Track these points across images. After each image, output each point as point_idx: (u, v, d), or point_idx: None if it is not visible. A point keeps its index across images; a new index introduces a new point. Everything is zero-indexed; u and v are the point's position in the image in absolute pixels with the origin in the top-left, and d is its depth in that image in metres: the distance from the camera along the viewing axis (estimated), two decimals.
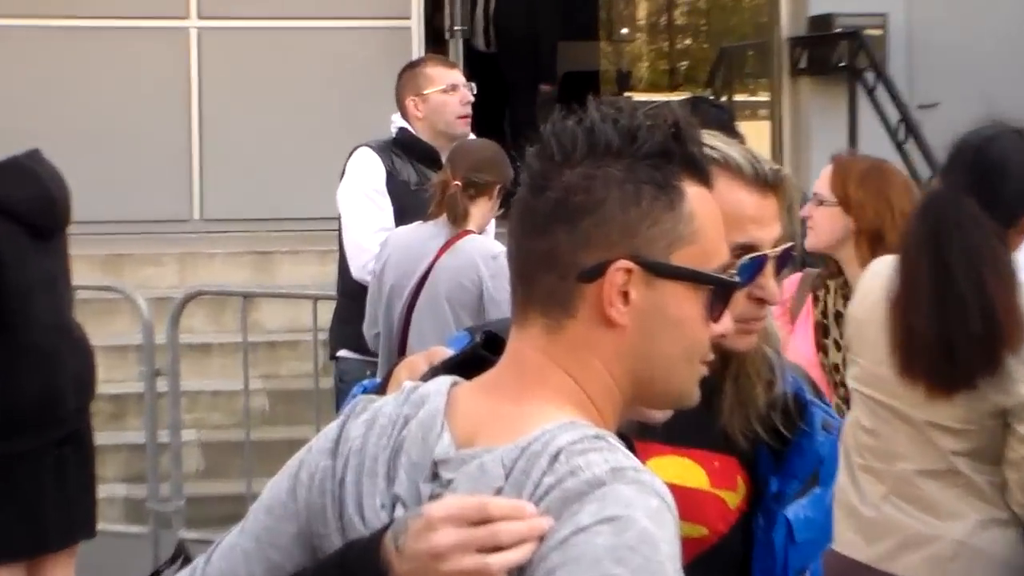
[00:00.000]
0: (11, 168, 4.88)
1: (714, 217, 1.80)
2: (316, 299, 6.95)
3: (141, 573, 6.39)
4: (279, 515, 1.82)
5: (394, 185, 5.75)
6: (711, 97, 10.20)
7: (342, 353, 5.88)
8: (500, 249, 5.03)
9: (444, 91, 5.85)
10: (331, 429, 1.83)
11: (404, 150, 5.84)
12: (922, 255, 3.53)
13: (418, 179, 5.64)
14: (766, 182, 2.37)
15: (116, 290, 7.28)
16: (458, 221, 5.05)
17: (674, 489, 2.37)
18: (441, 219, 5.08)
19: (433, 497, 1.71)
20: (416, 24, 10.50)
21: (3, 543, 4.80)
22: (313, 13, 10.40)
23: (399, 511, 1.73)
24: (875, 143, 9.41)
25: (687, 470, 2.43)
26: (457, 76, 5.98)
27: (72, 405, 4.92)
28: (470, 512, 1.65)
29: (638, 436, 2.33)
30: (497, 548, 1.64)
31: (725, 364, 2.40)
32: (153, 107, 10.20)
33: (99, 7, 10.15)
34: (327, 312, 6.32)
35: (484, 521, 1.65)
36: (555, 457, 1.66)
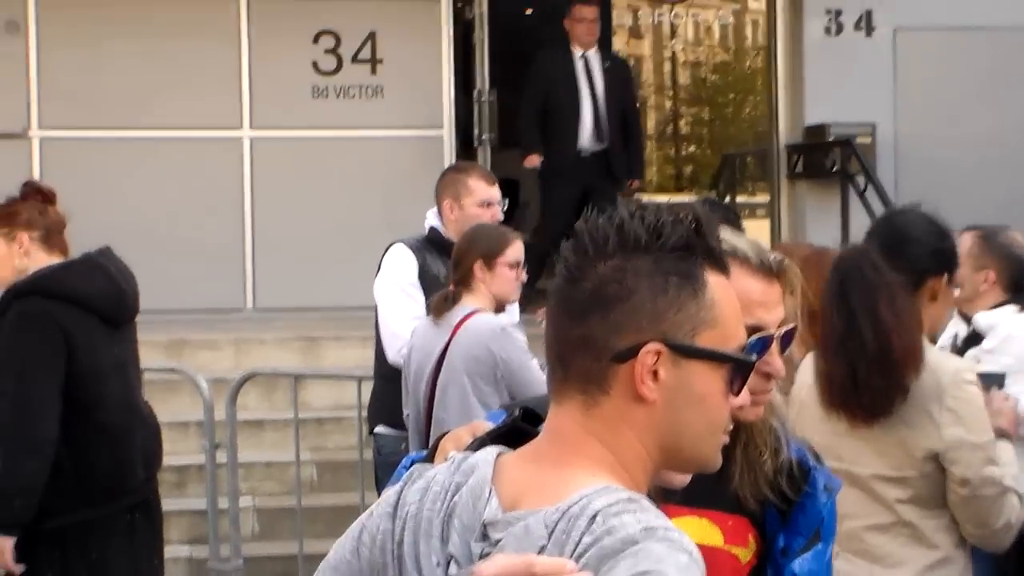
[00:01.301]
0: (85, 264, 4.94)
1: (732, 303, 1.82)
2: (360, 380, 6.96)
3: None
4: (344, 572, 1.86)
5: (425, 279, 5.73)
6: (716, 199, 10.28)
7: (379, 429, 5.85)
8: (506, 321, 5.08)
9: (480, 205, 5.76)
10: (391, 495, 1.86)
11: (435, 247, 5.84)
12: (832, 303, 3.61)
13: (447, 273, 5.64)
14: (770, 270, 2.43)
15: (180, 372, 7.30)
16: (439, 314, 5.07)
17: None
18: (457, 306, 5.10)
19: (483, 556, 1.72)
20: (448, 133, 10.59)
21: None
22: (355, 123, 10.49)
23: (453, 568, 1.75)
24: None
25: (704, 529, 2.47)
26: (495, 194, 5.88)
27: (141, 476, 4.95)
28: (518, 569, 1.65)
29: (660, 499, 2.42)
30: None
31: (735, 434, 2.45)
32: (210, 208, 10.29)
33: (162, 119, 10.26)
34: (370, 392, 6.34)
35: None
36: (592, 519, 1.67)
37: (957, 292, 4.32)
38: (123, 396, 4.93)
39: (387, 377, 5.69)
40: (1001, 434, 3.83)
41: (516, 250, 5.14)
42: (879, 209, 9.65)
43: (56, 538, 4.79)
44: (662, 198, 16.89)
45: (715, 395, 1.80)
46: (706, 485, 2.37)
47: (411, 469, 1.89)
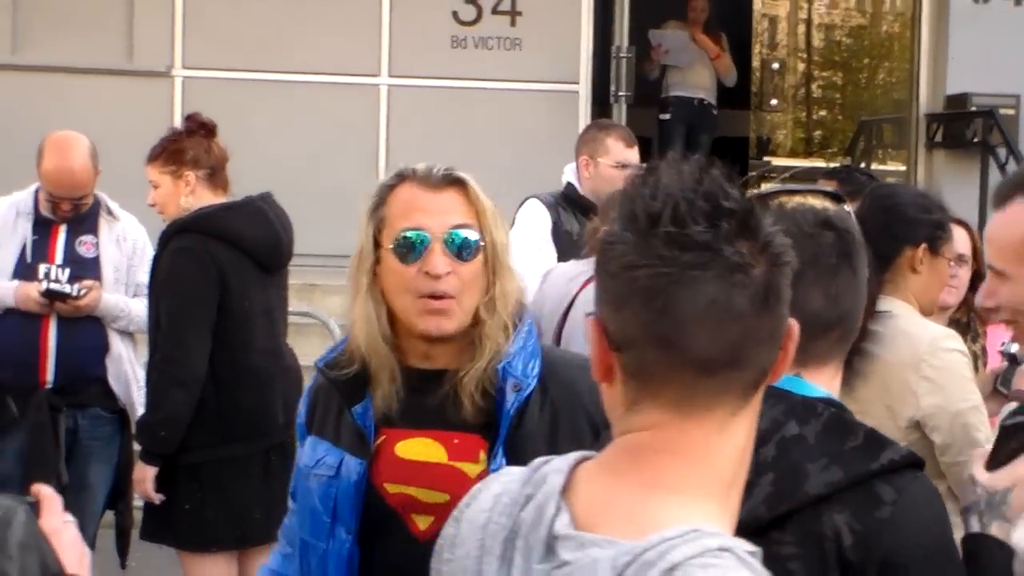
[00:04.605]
0: (246, 207, 5.01)
1: None
2: None
3: None
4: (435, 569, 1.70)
5: (559, 235, 5.78)
6: (854, 166, 10.16)
7: None
8: None
9: (614, 166, 5.82)
10: (466, 497, 1.68)
11: (569, 203, 5.88)
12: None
13: (580, 230, 5.66)
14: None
15: (313, 316, 7.38)
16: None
17: (416, 465, 2.62)
18: (592, 258, 5.09)
19: None
20: (584, 89, 10.57)
21: (214, 536, 4.92)
22: (491, 75, 10.50)
23: None
24: None
25: (428, 448, 2.64)
26: (631, 156, 5.91)
27: (280, 420, 5.02)
28: None
29: (385, 424, 2.63)
30: None
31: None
32: (345, 153, 10.36)
33: (302, 63, 10.35)
34: None
35: None
36: (670, 572, 1.43)
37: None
38: (268, 341, 5.00)
39: None
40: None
41: None
42: None
43: (193, 473, 4.88)
44: (793, 163, 16.75)
45: None
46: (435, 408, 2.59)
47: (491, 475, 1.73)
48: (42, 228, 5.46)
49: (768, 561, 1.49)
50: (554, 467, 1.58)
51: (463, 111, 10.44)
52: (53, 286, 5.32)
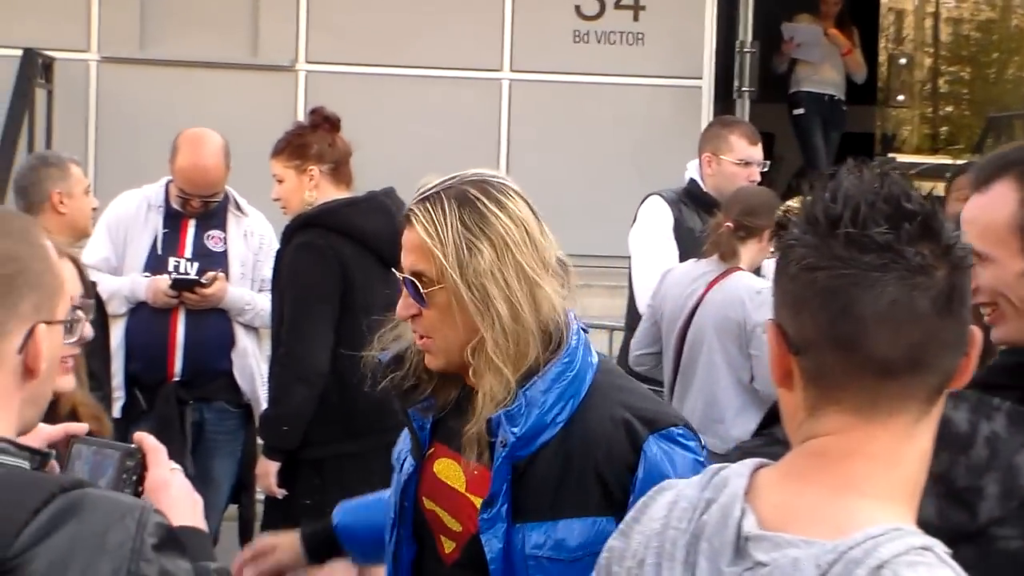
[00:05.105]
0: (368, 202, 5.02)
1: None
2: (612, 330, 6.96)
3: None
4: None
5: (681, 233, 5.76)
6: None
7: None
8: (764, 284, 5.00)
9: (736, 164, 5.79)
10: (632, 512, 1.68)
11: (692, 200, 5.85)
12: None
13: (703, 227, 5.60)
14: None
15: None
16: (726, 258, 5.03)
17: (444, 486, 2.58)
18: (713, 257, 5.08)
19: None
20: (707, 83, 10.49)
21: None
22: (613, 70, 10.45)
23: None
24: None
25: (454, 472, 2.58)
26: (755, 154, 5.87)
27: None
28: None
29: (437, 437, 2.60)
30: None
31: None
32: (466, 148, 10.35)
33: (424, 57, 10.38)
34: (619, 342, 6.34)
35: None
36: (877, 569, 1.43)
37: None
38: None
39: (635, 329, 5.71)
40: None
41: None
42: None
43: (315, 468, 4.90)
44: (919, 159, 16.52)
45: None
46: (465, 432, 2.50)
47: (663, 484, 1.70)
48: (172, 221, 5.54)
49: (997, 557, 1.55)
50: (734, 471, 1.59)
51: (585, 106, 10.41)
52: (180, 276, 5.40)
